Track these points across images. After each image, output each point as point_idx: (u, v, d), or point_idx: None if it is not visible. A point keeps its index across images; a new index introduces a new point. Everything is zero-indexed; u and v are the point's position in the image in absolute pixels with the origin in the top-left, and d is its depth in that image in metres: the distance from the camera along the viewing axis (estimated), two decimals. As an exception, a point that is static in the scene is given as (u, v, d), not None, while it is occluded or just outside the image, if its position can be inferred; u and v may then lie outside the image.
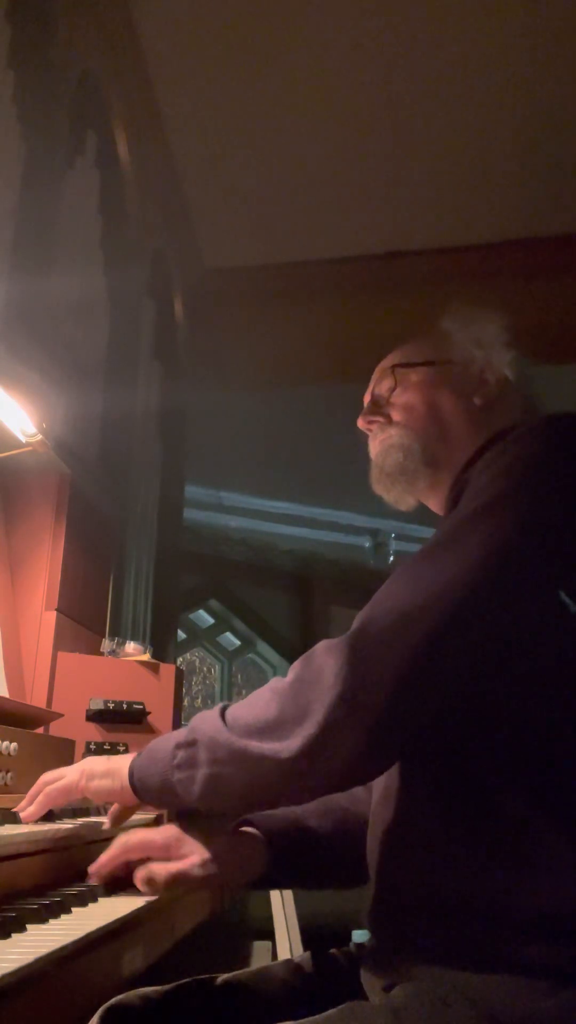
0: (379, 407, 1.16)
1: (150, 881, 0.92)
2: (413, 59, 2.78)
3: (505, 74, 2.82)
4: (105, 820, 1.10)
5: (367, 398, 1.19)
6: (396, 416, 1.13)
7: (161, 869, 0.93)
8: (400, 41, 2.73)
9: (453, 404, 1.11)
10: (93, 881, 0.98)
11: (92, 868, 0.97)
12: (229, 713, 0.88)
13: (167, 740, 0.92)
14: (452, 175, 3.21)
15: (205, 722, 0.89)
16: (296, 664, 0.85)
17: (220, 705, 0.91)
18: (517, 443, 0.90)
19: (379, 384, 1.18)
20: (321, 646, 0.84)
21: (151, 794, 0.93)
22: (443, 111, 2.96)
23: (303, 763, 0.80)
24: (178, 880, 0.93)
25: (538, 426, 0.92)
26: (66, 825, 1.08)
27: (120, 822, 1.06)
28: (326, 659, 0.81)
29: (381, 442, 1.14)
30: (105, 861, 0.97)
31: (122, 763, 0.96)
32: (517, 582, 0.81)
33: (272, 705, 0.83)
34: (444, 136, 3.06)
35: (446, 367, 1.14)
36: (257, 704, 0.86)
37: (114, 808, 1.04)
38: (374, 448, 1.16)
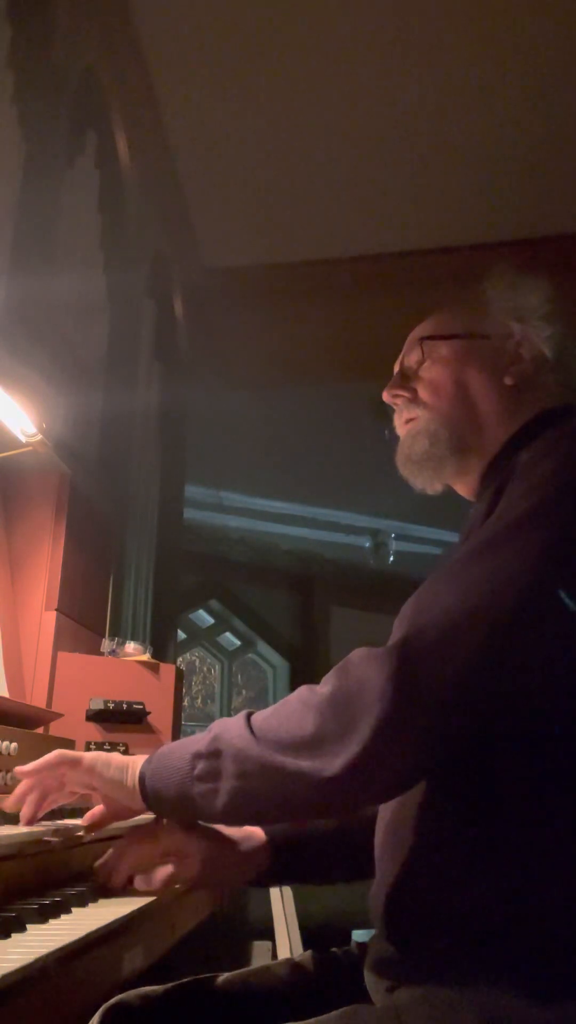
0: (406, 380, 1.10)
1: (149, 881, 0.91)
2: (414, 60, 2.78)
3: (506, 74, 2.82)
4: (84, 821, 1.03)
5: (396, 368, 1.13)
6: (423, 393, 1.08)
7: (160, 873, 0.92)
8: (401, 41, 2.73)
9: (482, 383, 1.05)
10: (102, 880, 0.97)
11: (103, 876, 0.96)
12: (257, 724, 0.83)
13: (183, 748, 0.87)
14: (452, 175, 3.21)
15: (229, 731, 0.84)
16: (332, 675, 0.81)
17: (244, 713, 0.86)
18: (568, 442, 0.86)
19: (408, 355, 1.12)
20: (360, 656, 0.79)
21: (164, 804, 0.89)
22: (444, 111, 2.96)
23: (347, 782, 0.76)
24: (176, 882, 0.92)
25: None
26: (69, 822, 1.08)
27: (100, 828, 1.00)
28: (368, 671, 0.76)
29: (407, 425, 1.10)
30: (110, 872, 0.95)
31: (134, 763, 0.92)
32: (564, 589, 0.77)
33: (309, 720, 0.79)
34: (445, 136, 3.06)
35: (478, 341, 1.07)
36: (290, 717, 0.81)
37: (95, 811, 0.99)
38: (400, 428, 1.11)
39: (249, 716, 0.85)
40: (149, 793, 0.89)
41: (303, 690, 0.83)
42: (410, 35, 2.70)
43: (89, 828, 1.00)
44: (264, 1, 2.62)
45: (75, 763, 0.95)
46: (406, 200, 3.35)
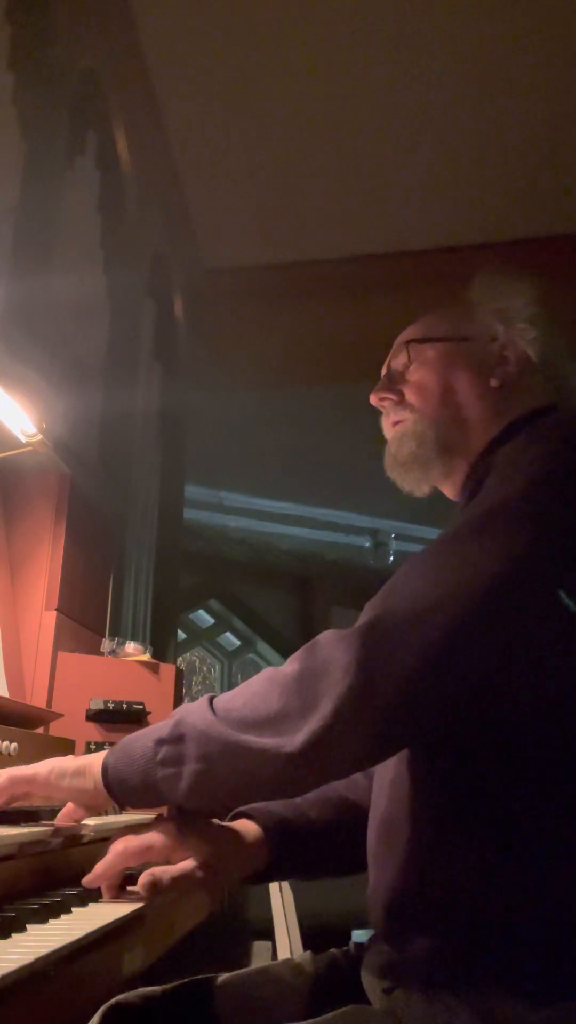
0: (393, 383, 1.12)
1: (153, 885, 0.88)
2: (414, 59, 2.78)
3: (506, 74, 2.83)
4: (86, 822, 1.03)
5: (383, 371, 1.15)
6: (409, 395, 1.10)
7: (164, 874, 0.89)
8: (401, 41, 2.73)
9: (468, 385, 1.07)
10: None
11: (87, 880, 0.92)
12: (219, 705, 0.84)
13: (145, 736, 0.87)
14: (452, 175, 3.21)
15: (192, 715, 0.84)
16: (299, 655, 0.81)
17: (207, 696, 0.86)
18: (546, 436, 0.87)
19: (395, 358, 1.14)
20: (326, 637, 0.80)
21: (129, 793, 0.88)
22: (444, 111, 2.96)
23: (307, 758, 0.77)
24: (181, 884, 0.90)
25: (569, 420, 0.89)
26: (68, 823, 1.07)
27: (78, 822, 0.99)
28: (334, 651, 0.78)
29: (394, 427, 1.11)
30: (102, 872, 0.91)
31: (93, 761, 0.91)
32: (538, 581, 0.78)
33: (273, 698, 0.80)
34: (445, 136, 3.06)
35: (464, 344, 1.09)
36: (255, 696, 0.82)
37: (67, 809, 0.97)
38: (387, 430, 1.13)
39: (212, 699, 0.86)
40: (113, 783, 0.88)
41: (268, 671, 0.84)
42: (410, 36, 2.70)
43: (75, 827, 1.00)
44: (264, 1, 2.62)
45: (30, 781, 0.94)
46: (406, 200, 3.35)
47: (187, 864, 0.90)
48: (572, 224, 3.40)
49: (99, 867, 0.92)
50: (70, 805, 0.97)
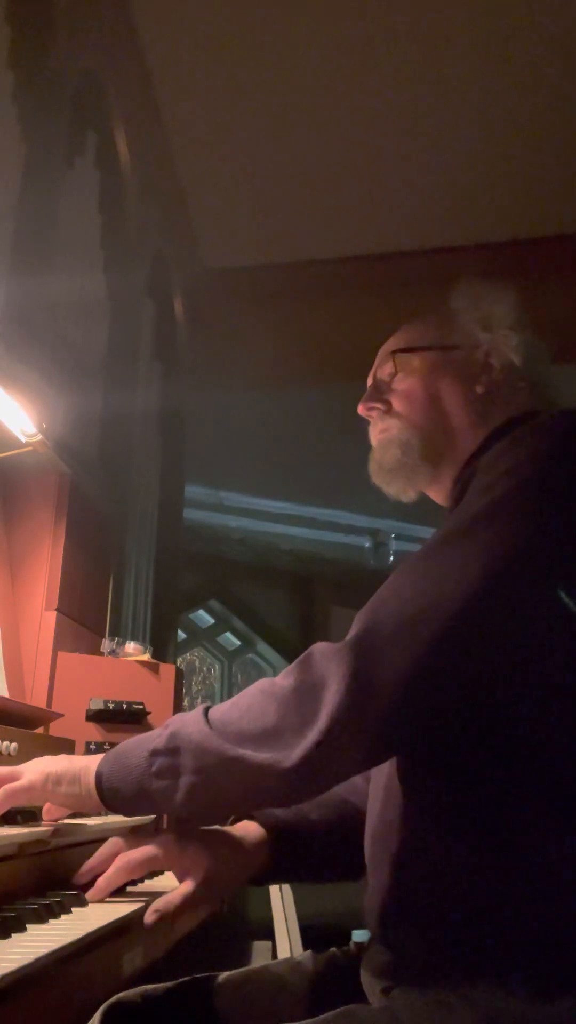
0: (379, 393, 1.14)
1: (161, 919, 0.87)
2: (414, 59, 2.78)
3: (506, 74, 2.82)
4: (87, 822, 1.04)
5: (369, 381, 1.17)
6: (396, 404, 1.11)
7: (167, 907, 0.88)
8: (401, 41, 2.73)
9: (454, 392, 1.08)
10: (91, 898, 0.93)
11: (90, 894, 0.92)
12: (215, 718, 0.84)
13: (140, 745, 0.87)
14: (451, 175, 3.21)
15: (187, 727, 0.85)
16: (293, 669, 0.82)
17: (202, 707, 0.87)
18: (526, 440, 0.88)
19: (380, 368, 1.16)
20: (320, 650, 0.81)
21: (123, 803, 0.88)
22: (443, 111, 2.95)
23: (305, 771, 0.78)
24: (186, 909, 0.89)
25: (548, 423, 0.89)
26: (67, 822, 1.08)
27: (60, 818, 1.01)
28: (328, 665, 0.79)
29: (380, 435, 1.12)
30: (104, 886, 0.92)
31: (85, 766, 0.91)
32: (523, 584, 0.79)
33: (271, 712, 0.81)
34: (445, 136, 3.06)
35: (448, 352, 1.11)
36: (251, 710, 0.82)
37: (48, 808, 0.99)
38: (373, 438, 1.14)
39: (207, 710, 0.86)
40: (106, 792, 0.88)
41: (264, 682, 0.85)
42: (409, 36, 2.70)
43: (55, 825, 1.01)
44: (264, 1, 2.62)
45: (29, 791, 0.94)
46: (406, 200, 3.35)
47: (187, 887, 0.90)
48: (572, 224, 3.40)
49: (101, 881, 0.92)
50: (50, 806, 0.98)
